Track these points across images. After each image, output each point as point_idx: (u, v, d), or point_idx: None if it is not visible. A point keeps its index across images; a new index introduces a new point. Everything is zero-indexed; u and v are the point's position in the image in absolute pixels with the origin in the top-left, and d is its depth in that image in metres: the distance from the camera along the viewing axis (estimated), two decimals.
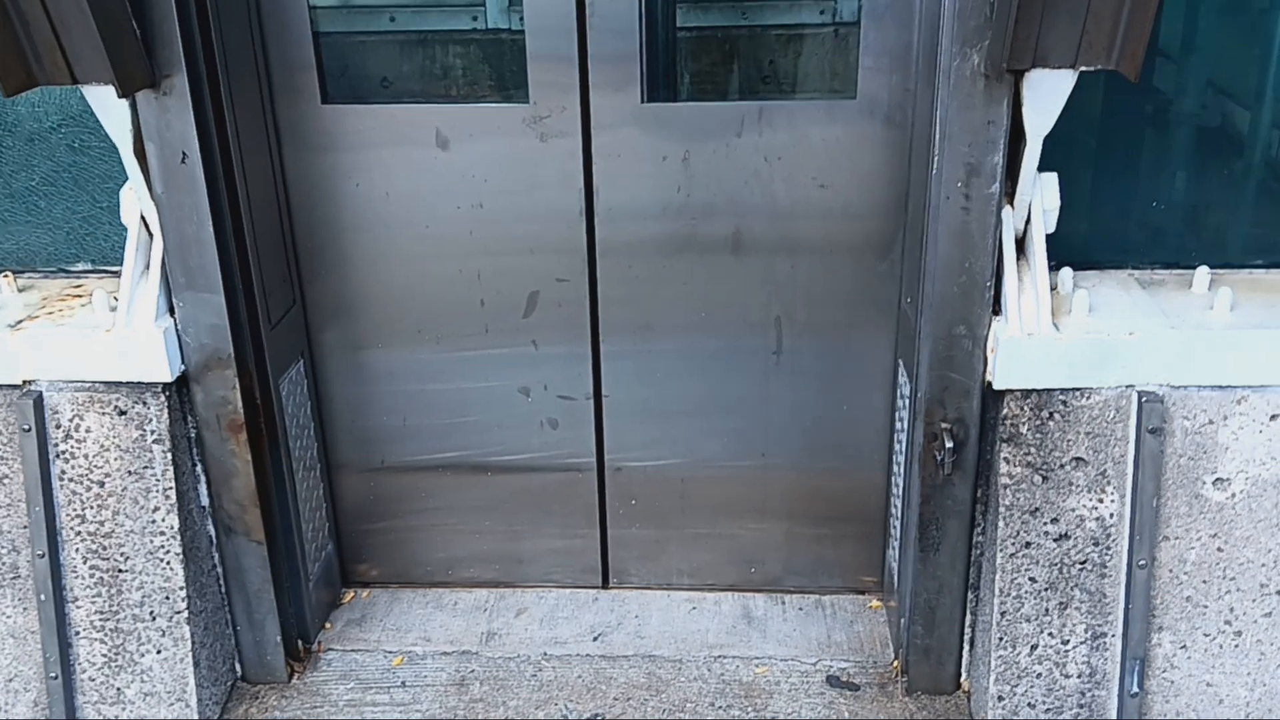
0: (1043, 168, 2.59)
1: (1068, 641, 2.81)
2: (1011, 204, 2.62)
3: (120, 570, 2.92)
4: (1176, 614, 2.79)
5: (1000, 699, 2.87)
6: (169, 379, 2.80)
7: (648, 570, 3.51)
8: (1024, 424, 2.71)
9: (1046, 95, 2.44)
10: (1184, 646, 2.81)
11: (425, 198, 3.05)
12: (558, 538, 3.48)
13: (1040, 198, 2.62)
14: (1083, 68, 2.34)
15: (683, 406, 3.26)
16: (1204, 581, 2.76)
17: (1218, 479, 2.70)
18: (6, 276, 2.99)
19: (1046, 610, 2.80)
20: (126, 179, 2.70)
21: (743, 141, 2.92)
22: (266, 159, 2.95)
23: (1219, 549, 2.74)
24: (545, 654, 3.28)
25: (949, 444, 2.76)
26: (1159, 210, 2.96)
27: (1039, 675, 2.84)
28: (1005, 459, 2.74)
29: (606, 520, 3.44)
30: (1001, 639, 2.83)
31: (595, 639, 3.33)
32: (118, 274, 2.84)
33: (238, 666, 3.21)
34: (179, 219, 2.68)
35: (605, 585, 3.54)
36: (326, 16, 3.08)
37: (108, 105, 2.54)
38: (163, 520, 2.88)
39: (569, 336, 3.19)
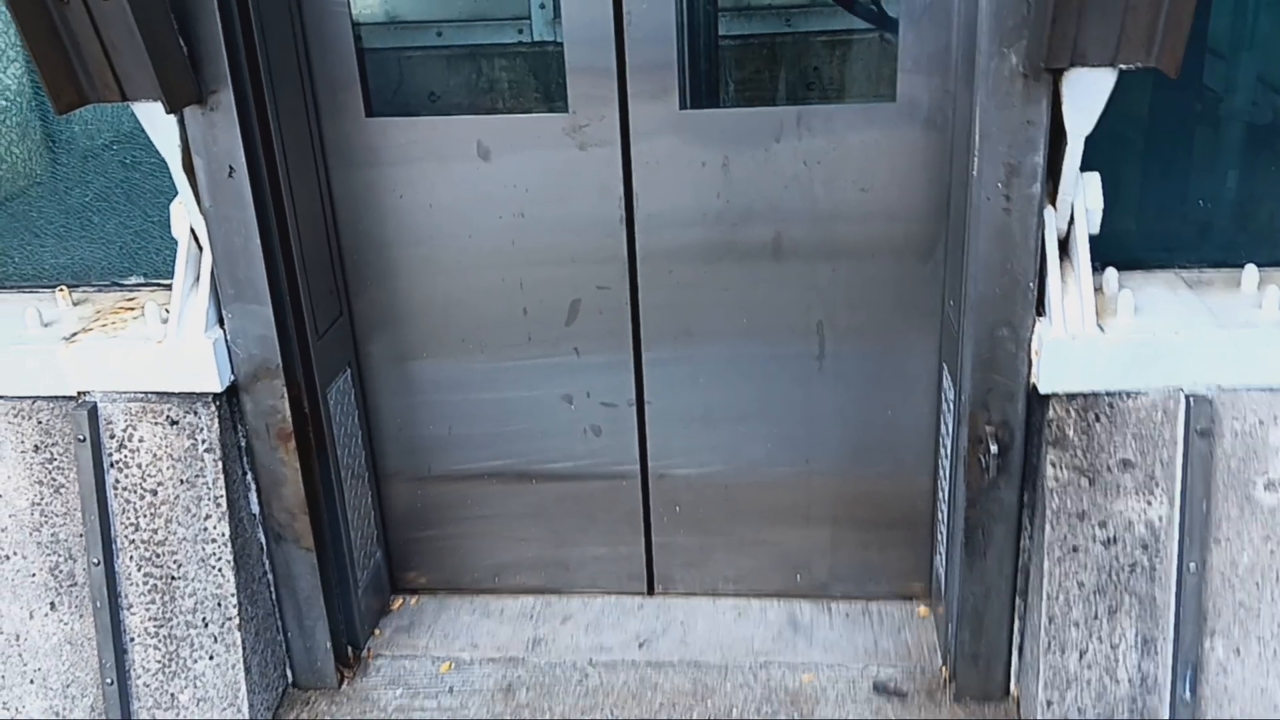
0: (1086, 166, 2.57)
1: (1117, 647, 2.77)
2: (1054, 204, 2.59)
3: (173, 578, 2.97)
4: (1229, 619, 2.73)
5: (1049, 705, 2.83)
6: (219, 389, 2.85)
7: (693, 577, 3.51)
8: (1070, 427, 2.68)
9: (1086, 94, 2.42)
10: (1237, 651, 2.75)
11: (468, 209, 3.08)
12: (602, 545, 3.49)
13: (1083, 197, 2.60)
14: (1122, 65, 2.32)
15: (725, 412, 3.26)
16: (1257, 585, 2.71)
17: (1269, 481, 2.65)
18: (62, 290, 3.07)
19: (1095, 615, 2.76)
20: (176, 194, 2.76)
21: (782, 147, 2.92)
22: (312, 172, 3.00)
23: (1272, 552, 2.69)
24: (591, 660, 3.29)
25: (994, 448, 2.74)
26: (1206, 208, 2.92)
27: (1089, 681, 2.80)
28: (1051, 462, 2.71)
29: (651, 527, 3.45)
30: (1050, 644, 2.79)
31: (641, 646, 3.34)
32: (169, 287, 2.90)
33: (289, 672, 3.25)
34: (227, 232, 2.73)
35: (650, 592, 3.55)
36: (373, 32, 3.13)
37: (156, 121, 2.60)
38: (214, 528, 2.94)
39: (611, 344, 3.20)
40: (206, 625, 2.99)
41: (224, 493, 2.92)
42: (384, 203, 3.09)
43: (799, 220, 3.00)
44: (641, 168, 2.98)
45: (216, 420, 2.89)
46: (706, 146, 2.95)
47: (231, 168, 2.66)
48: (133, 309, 3.02)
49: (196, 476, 2.91)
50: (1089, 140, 2.50)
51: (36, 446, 2.95)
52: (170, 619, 3.00)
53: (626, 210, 3.03)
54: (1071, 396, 2.67)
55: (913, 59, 2.81)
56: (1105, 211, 2.64)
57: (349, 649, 3.30)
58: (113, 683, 3.01)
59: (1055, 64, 2.34)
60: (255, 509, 3.04)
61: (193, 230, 2.81)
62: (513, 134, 3.00)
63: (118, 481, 2.93)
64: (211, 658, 3.01)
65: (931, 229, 2.96)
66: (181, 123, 2.63)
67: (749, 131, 2.92)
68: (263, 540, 3.08)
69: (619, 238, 3.07)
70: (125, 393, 2.89)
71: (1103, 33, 2.28)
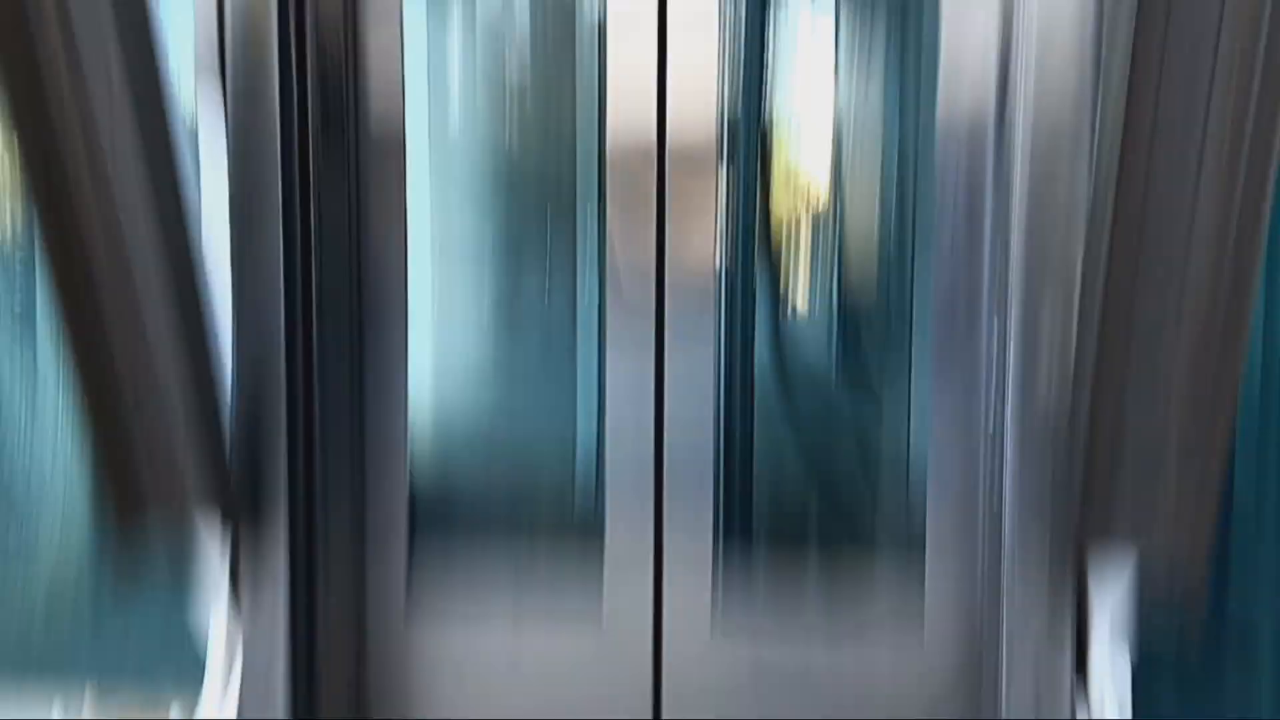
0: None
1: None
2: (1084, 679, 2.54)
3: None
4: None
5: None
6: None
7: None
8: None
9: (1113, 569, 2.44)
10: None
11: (499, 677, 3.09)
12: None
13: (1113, 674, 2.54)
14: (1145, 546, 2.34)
15: None
16: None
17: None
18: (88, 692, 3.02)
19: None
20: (216, 603, 2.80)
21: (812, 643, 2.96)
22: (352, 604, 3.04)
23: None
24: None
25: None
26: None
27: None
28: None
29: None
30: None
31: None
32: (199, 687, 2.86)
33: None
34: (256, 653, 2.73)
35: None
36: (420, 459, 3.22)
37: (207, 533, 2.69)
38: None
39: None
40: None
41: None
42: (415, 646, 3.10)
43: (829, 696, 2.97)
44: (672, 666, 3.01)
45: None
46: (738, 647, 2.99)
47: (271, 583, 2.70)
48: None
49: None
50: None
51: None
52: None
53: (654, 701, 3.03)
54: None
55: (939, 529, 2.88)
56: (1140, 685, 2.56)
57: None
58: None
59: (1082, 541, 2.38)
60: None
61: (227, 641, 2.81)
62: (543, 611, 3.07)
63: None
64: None
65: (966, 704, 2.90)
66: (231, 536, 2.70)
67: (780, 634, 2.98)
68: None
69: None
70: None
71: (1129, 515, 2.33)
